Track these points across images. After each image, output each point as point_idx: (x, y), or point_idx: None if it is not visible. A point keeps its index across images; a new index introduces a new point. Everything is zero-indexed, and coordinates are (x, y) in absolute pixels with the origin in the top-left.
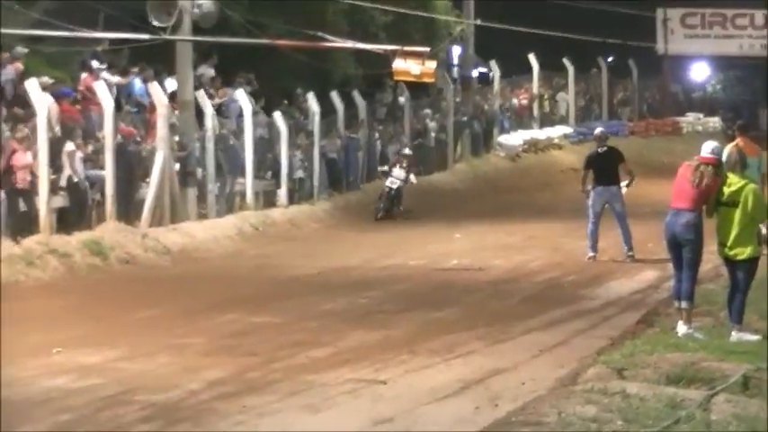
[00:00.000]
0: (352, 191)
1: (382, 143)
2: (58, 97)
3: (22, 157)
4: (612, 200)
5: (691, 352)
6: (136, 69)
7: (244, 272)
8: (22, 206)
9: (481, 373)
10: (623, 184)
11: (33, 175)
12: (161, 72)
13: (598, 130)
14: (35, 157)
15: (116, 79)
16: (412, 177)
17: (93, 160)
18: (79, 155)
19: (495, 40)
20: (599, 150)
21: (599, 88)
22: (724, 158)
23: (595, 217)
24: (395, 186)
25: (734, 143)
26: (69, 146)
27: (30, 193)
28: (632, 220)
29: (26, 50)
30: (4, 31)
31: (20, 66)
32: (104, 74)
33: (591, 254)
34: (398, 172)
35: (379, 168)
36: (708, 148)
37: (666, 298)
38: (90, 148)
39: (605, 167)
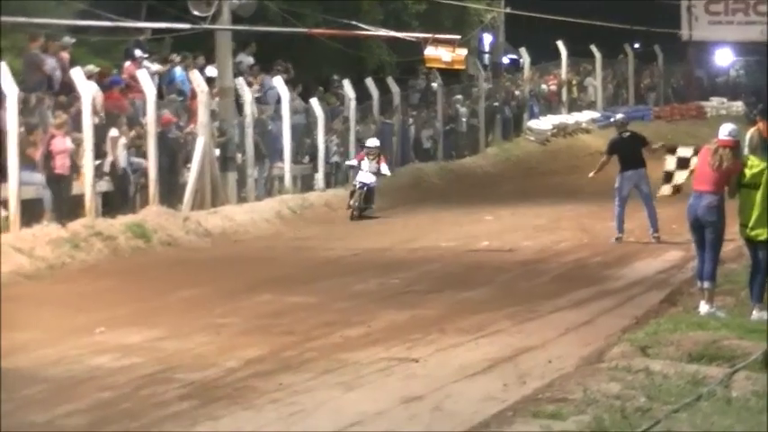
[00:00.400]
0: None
1: (416, 128)
2: (108, 85)
3: (60, 143)
4: (640, 182)
5: (712, 330)
6: (177, 58)
7: (281, 253)
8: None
9: (509, 352)
10: (658, 144)
11: (72, 160)
12: (202, 60)
13: (619, 116)
14: (77, 143)
15: (158, 67)
16: (384, 169)
17: (137, 146)
18: (123, 141)
19: (524, 28)
20: (623, 135)
21: (625, 74)
22: (746, 142)
23: (622, 200)
24: (366, 182)
25: (755, 127)
26: (113, 132)
27: (68, 178)
28: (657, 202)
29: (73, 40)
30: (51, 21)
31: (66, 55)
32: (147, 62)
33: (618, 235)
34: (368, 165)
35: (346, 163)
36: (725, 130)
37: (690, 278)
38: (133, 134)
39: (631, 152)
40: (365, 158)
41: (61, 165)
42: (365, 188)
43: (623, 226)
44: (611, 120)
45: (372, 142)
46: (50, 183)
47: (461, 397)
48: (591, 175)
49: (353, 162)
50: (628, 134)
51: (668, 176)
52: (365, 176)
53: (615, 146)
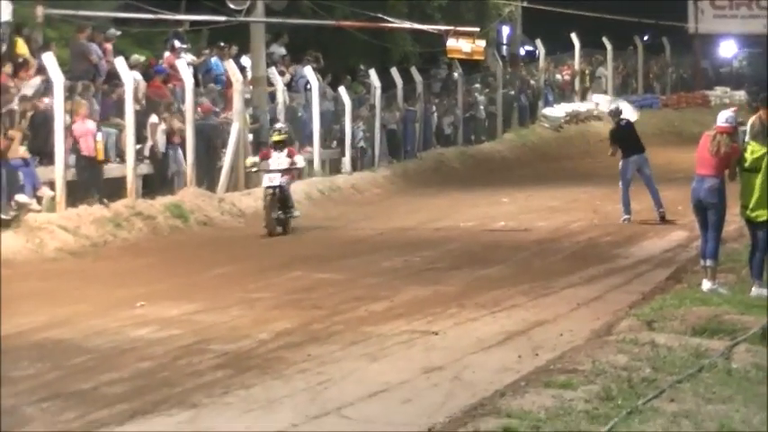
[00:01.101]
0: (410, 159)
1: (438, 115)
2: (153, 74)
3: (81, 126)
4: (643, 165)
5: (714, 306)
6: (210, 49)
7: (310, 233)
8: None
9: (524, 325)
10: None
11: (105, 143)
12: (236, 51)
13: (613, 106)
14: (120, 129)
15: (192, 58)
16: (298, 160)
17: (176, 131)
18: (162, 127)
19: (540, 20)
20: (620, 124)
21: (635, 64)
22: (747, 128)
23: (626, 183)
24: (275, 184)
25: (757, 114)
26: (153, 118)
27: (93, 159)
28: (665, 184)
29: (119, 32)
30: (96, 13)
31: (110, 45)
32: (185, 53)
33: (625, 216)
34: (277, 160)
35: (248, 162)
36: (723, 117)
37: (694, 256)
38: (173, 120)
39: (630, 139)
40: (272, 153)
41: (86, 147)
42: (276, 192)
43: (630, 208)
44: (611, 109)
45: (281, 126)
46: (78, 164)
47: (478, 367)
48: (611, 154)
49: (254, 160)
50: (624, 122)
51: None
52: (272, 178)
53: (615, 135)
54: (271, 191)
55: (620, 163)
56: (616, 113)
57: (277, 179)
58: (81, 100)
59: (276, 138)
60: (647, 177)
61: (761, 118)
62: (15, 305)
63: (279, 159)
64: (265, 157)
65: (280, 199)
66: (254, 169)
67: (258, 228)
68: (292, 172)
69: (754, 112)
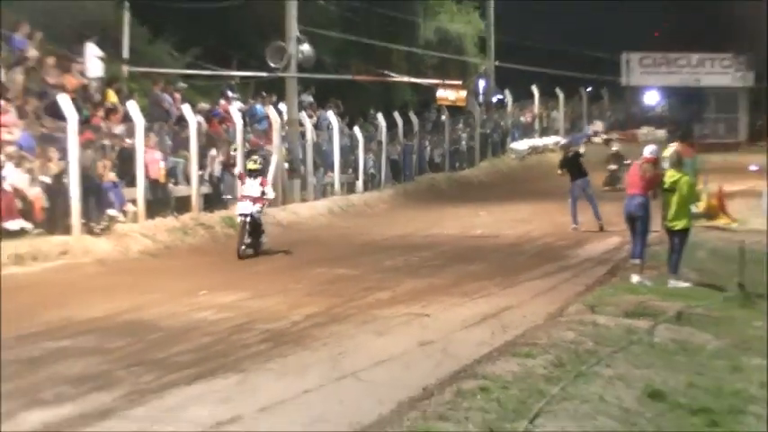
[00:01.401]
0: (408, 181)
1: (430, 148)
2: (211, 117)
3: (151, 156)
4: (586, 187)
5: (641, 294)
6: (255, 98)
7: (332, 239)
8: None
9: (496, 309)
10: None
11: (167, 169)
12: (275, 98)
13: (562, 142)
14: (185, 159)
15: (241, 105)
16: (269, 191)
17: (229, 162)
18: (219, 158)
19: (508, 76)
20: (568, 155)
21: (580, 109)
22: (665, 158)
23: (573, 199)
24: (246, 212)
25: (674, 148)
26: (212, 151)
27: (157, 181)
28: (603, 201)
29: (185, 85)
30: (168, 71)
31: (178, 95)
32: (236, 101)
33: (573, 225)
34: (251, 187)
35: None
36: (648, 150)
37: (625, 256)
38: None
39: (576, 166)
40: (247, 179)
41: (154, 171)
42: (248, 220)
43: (577, 218)
44: (561, 143)
45: (255, 158)
46: (148, 185)
47: (461, 342)
48: (560, 174)
49: (228, 196)
50: (571, 154)
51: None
52: (245, 206)
53: (563, 163)
54: (243, 218)
55: (572, 185)
56: (566, 146)
57: (249, 207)
58: (151, 134)
59: (251, 166)
60: (590, 196)
61: (677, 151)
62: (107, 294)
63: (252, 187)
64: (242, 180)
65: (251, 225)
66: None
67: (292, 235)
68: (264, 200)
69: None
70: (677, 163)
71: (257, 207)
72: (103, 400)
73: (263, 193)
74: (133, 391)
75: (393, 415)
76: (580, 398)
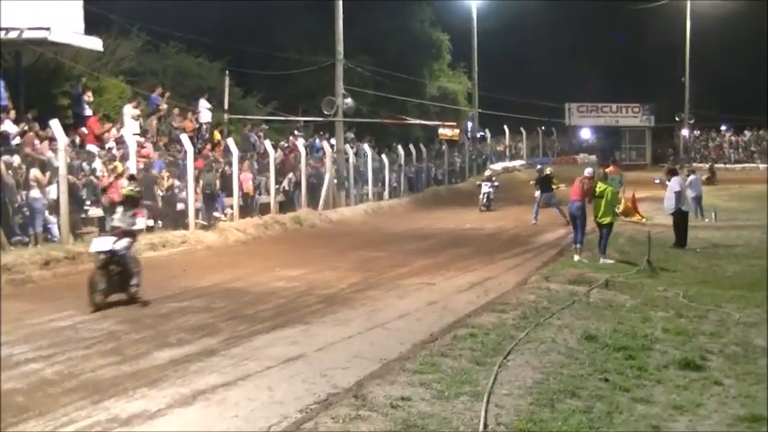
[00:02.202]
0: (420, 192)
1: (435, 168)
2: (285, 149)
3: (245, 176)
4: (551, 199)
5: (580, 269)
6: (314, 135)
7: (366, 231)
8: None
9: (480, 279)
10: (555, 186)
11: (254, 185)
12: (328, 135)
13: (539, 166)
14: (266, 178)
15: (303, 140)
16: (139, 222)
17: (296, 179)
18: (290, 176)
19: (487, 120)
20: (540, 175)
21: (538, 142)
22: (594, 174)
23: (537, 204)
24: (104, 249)
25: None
26: (291, 176)
27: (247, 194)
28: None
29: (266, 126)
30: (254, 117)
31: (261, 133)
32: (301, 137)
33: (533, 221)
34: (120, 218)
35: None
36: (586, 170)
37: (569, 242)
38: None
39: (546, 183)
40: (118, 208)
41: (246, 186)
42: (107, 259)
43: (538, 216)
44: (537, 167)
45: (130, 186)
46: (242, 196)
47: (457, 302)
48: (534, 192)
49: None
50: (544, 174)
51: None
52: (102, 242)
53: (537, 180)
54: (101, 256)
55: (537, 195)
56: (540, 170)
57: (107, 243)
58: (246, 161)
59: (126, 191)
60: (555, 204)
61: (604, 170)
62: (213, 270)
63: (122, 218)
64: (111, 210)
65: (115, 264)
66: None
67: (339, 229)
68: (132, 235)
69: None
70: (604, 178)
71: (123, 243)
72: (210, 342)
73: (133, 224)
74: (231, 336)
75: (409, 353)
76: (539, 340)
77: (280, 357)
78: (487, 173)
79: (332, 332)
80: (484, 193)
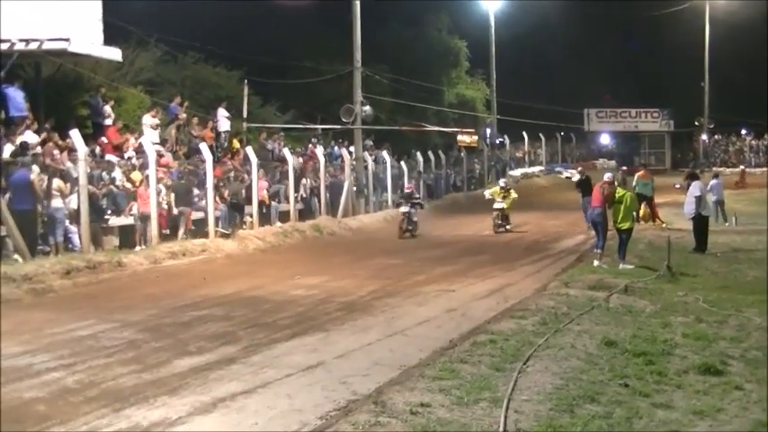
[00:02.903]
0: (439, 198)
1: (453, 175)
2: (303, 156)
3: (262, 184)
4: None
5: (600, 274)
6: (333, 142)
7: (385, 238)
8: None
9: (500, 286)
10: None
11: (269, 193)
12: (347, 143)
13: (579, 169)
14: (286, 185)
15: (322, 148)
16: None
17: (315, 186)
18: (304, 182)
19: (506, 126)
20: (582, 178)
21: (557, 148)
22: (614, 179)
23: (585, 209)
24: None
25: (620, 173)
26: (304, 180)
27: (263, 202)
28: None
29: (283, 134)
30: (272, 125)
31: (280, 142)
32: (320, 145)
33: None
34: None
35: None
36: (606, 176)
37: (589, 248)
38: (313, 180)
39: (588, 186)
40: None
41: (261, 195)
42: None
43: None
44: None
45: None
46: (259, 204)
47: (476, 309)
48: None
49: None
50: (585, 177)
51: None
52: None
53: (579, 183)
54: None
55: (581, 200)
56: (582, 172)
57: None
58: (262, 170)
59: None
60: None
61: (623, 174)
62: (233, 278)
63: None
64: None
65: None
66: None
67: (359, 236)
68: None
69: (623, 173)
70: (623, 183)
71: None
72: (230, 351)
73: None
74: (250, 345)
75: (429, 359)
76: (558, 346)
77: (299, 365)
78: (407, 190)
79: (351, 339)
80: (404, 215)
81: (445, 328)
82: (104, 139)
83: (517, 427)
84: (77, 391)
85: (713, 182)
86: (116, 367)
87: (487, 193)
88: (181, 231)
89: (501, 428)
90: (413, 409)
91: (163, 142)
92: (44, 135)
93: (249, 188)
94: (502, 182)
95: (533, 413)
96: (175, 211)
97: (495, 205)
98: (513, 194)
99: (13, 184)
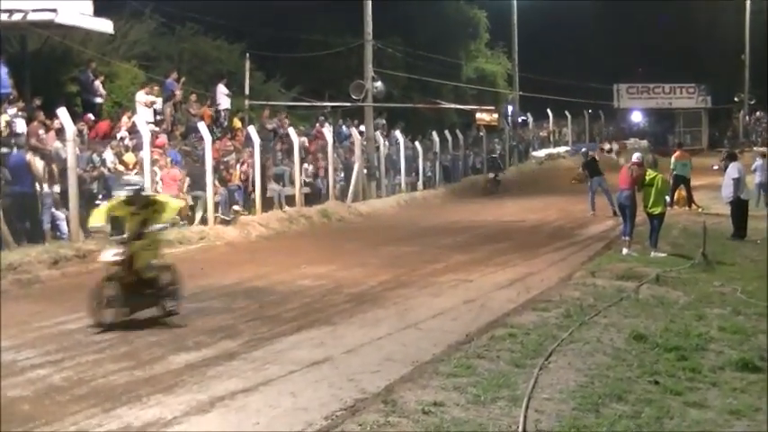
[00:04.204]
0: (456, 182)
1: (472, 157)
2: (309, 136)
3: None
4: (601, 182)
5: (629, 263)
6: (342, 121)
7: (399, 224)
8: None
9: (521, 275)
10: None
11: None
12: (357, 122)
13: (583, 150)
14: (291, 167)
15: (329, 127)
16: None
17: (323, 168)
18: (305, 167)
19: (529, 102)
20: (587, 159)
21: (584, 126)
22: (643, 160)
23: (592, 192)
24: None
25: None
26: (306, 165)
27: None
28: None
29: (286, 112)
30: (276, 103)
31: (284, 120)
32: (327, 123)
33: (591, 212)
34: None
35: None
36: (635, 156)
37: (617, 235)
38: (321, 162)
39: (594, 167)
40: None
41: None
42: None
43: (595, 205)
44: (581, 151)
45: None
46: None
47: (495, 300)
48: (577, 178)
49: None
50: (590, 158)
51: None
52: None
53: (585, 165)
54: None
55: (588, 182)
56: (586, 153)
57: None
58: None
59: None
60: (605, 190)
61: (653, 156)
62: (234, 268)
63: None
64: None
65: None
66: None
67: (370, 222)
68: None
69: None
70: (653, 164)
71: None
72: (230, 345)
73: None
74: (252, 339)
75: (443, 355)
76: (583, 340)
77: (304, 361)
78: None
79: (360, 333)
80: None
81: (461, 321)
82: (91, 116)
83: (537, 427)
84: (65, 390)
85: (759, 162)
86: (107, 364)
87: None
88: (198, 216)
89: (520, 429)
90: (425, 409)
91: (159, 122)
92: (28, 113)
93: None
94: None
95: (555, 413)
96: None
97: None
98: None
99: (10, 166)
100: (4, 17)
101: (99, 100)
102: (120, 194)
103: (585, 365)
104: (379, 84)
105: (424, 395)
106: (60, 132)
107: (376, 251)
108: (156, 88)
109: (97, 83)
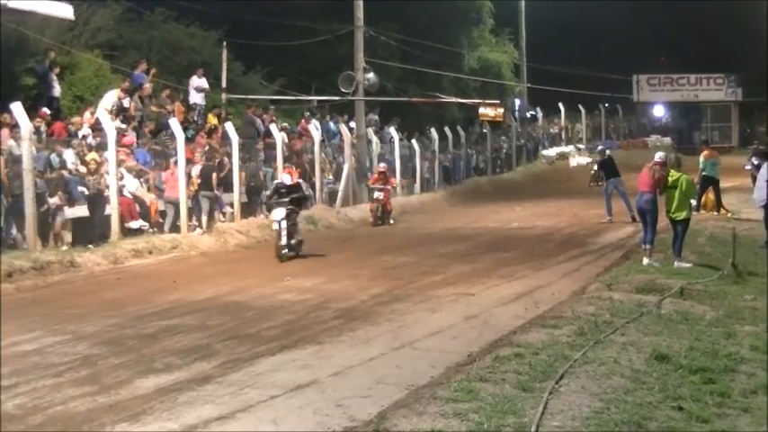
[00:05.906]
0: (457, 184)
1: (475, 156)
2: (291, 133)
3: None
4: (618, 184)
5: (650, 274)
6: (330, 117)
7: (393, 232)
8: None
9: (528, 288)
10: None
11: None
12: (347, 118)
13: (599, 148)
14: (274, 168)
15: (317, 123)
16: None
17: (306, 169)
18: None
19: (538, 95)
20: (604, 158)
21: (599, 122)
22: (666, 160)
23: (608, 196)
24: None
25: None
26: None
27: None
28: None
29: (272, 107)
30: (259, 97)
31: (267, 116)
32: (314, 119)
33: (608, 217)
34: None
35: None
36: (657, 155)
37: (637, 243)
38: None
39: (610, 167)
40: None
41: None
42: None
43: (611, 212)
44: (597, 149)
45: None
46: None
47: (500, 316)
48: (590, 184)
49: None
50: (606, 157)
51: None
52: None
53: (600, 164)
54: None
55: (605, 183)
56: (602, 151)
57: None
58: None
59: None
60: (622, 192)
61: (676, 155)
62: (209, 280)
63: None
64: None
65: None
66: None
67: (361, 229)
68: None
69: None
70: (677, 164)
71: None
72: (204, 368)
73: None
74: (229, 360)
75: (442, 377)
76: (598, 361)
77: (287, 384)
78: (280, 179)
79: (350, 353)
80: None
81: (462, 340)
82: (47, 110)
83: None
84: (18, 418)
85: None
86: (66, 389)
87: None
88: (204, 220)
89: None
90: None
91: (126, 119)
92: None
93: (228, 173)
94: (381, 165)
95: None
96: (148, 199)
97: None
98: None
99: None
100: None
101: (57, 93)
102: None
103: (601, 389)
104: (371, 75)
105: (420, 423)
106: (15, 129)
107: (368, 261)
108: (125, 85)
109: (53, 75)
